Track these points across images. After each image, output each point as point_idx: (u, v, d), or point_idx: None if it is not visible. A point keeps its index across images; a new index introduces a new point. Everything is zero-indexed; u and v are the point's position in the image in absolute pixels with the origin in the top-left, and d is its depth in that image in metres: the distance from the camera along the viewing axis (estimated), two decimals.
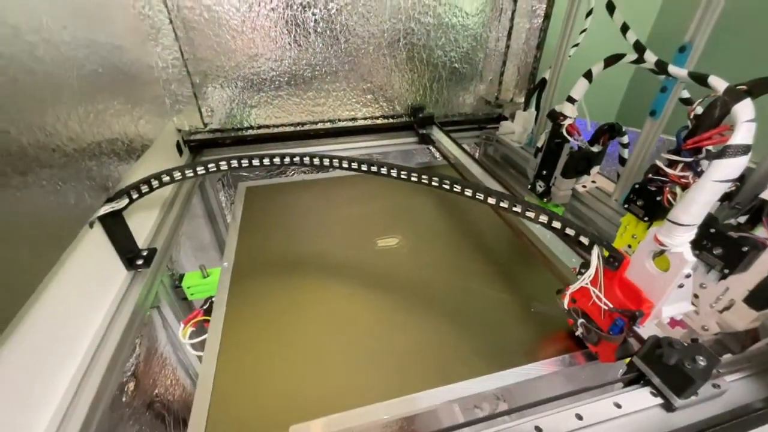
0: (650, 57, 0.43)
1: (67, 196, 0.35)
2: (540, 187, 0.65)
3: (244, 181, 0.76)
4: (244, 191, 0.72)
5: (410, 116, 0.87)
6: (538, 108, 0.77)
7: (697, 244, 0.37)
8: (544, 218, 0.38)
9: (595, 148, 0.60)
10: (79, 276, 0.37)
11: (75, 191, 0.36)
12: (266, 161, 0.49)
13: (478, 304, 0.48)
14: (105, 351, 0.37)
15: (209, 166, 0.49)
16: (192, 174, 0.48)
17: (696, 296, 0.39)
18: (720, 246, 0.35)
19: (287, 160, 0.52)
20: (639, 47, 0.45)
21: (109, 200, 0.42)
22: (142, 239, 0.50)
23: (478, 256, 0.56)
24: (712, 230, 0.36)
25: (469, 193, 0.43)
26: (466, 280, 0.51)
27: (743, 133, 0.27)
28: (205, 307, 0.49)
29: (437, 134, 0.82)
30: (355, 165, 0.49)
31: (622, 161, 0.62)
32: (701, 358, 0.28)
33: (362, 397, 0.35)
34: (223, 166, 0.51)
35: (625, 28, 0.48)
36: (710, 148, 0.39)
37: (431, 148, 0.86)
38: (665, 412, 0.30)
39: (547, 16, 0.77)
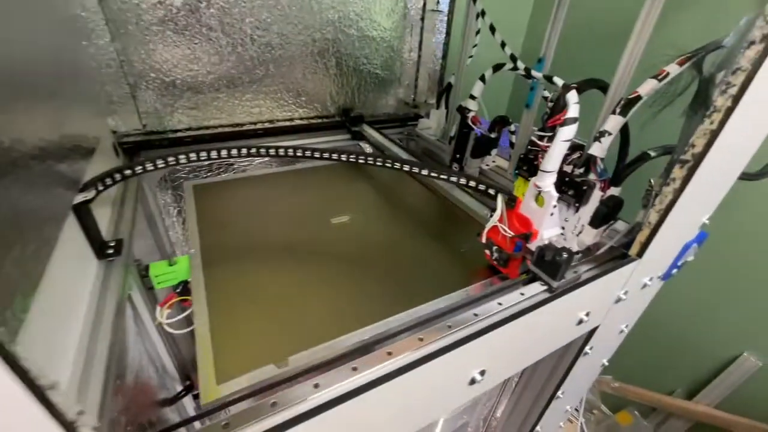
0: (520, 65, 0.61)
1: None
2: (455, 167, 0.81)
3: (188, 180, 0.77)
4: (192, 189, 0.74)
5: (342, 116, 0.97)
6: (447, 107, 0.94)
7: (559, 190, 0.54)
8: (463, 180, 0.52)
9: (493, 135, 0.79)
10: (58, 270, 0.35)
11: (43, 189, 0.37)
12: (224, 152, 0.54)
13: (418, 255, 0.60)
14: (99, 347, 0.36)
15: (180, 157, 0.53)
16: (163, 165, 0.52)
17: (563, 228, 0.57)
18: (572, 189, 0.53)
19: (243, 151, 0.58)
20: (513, 58, 0.62)
21: (81, 191, 0.44)
22: (103, 233, 0.51)
23: (416, 219, 0.69)
24: (567, 179, 0.53)
25: (407, 167, 0.55)
26: (407, 239, 0.64)
27: (573, 110, 0.44)
28: (179, 290, 0.53)
29: (368, 130, 0.94)
30: (299, 153, 0.58)
31: (512, 145, 0.81)
32: (565, 253, 0.44)
33: (339, 330, 0.44)
34: (193, 157, 0.55)
35: (503, 44, 0.65)
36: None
37: (361, 144, 0.98)
38: (549, 293, 0.45)
39: (448, 33, 0.95)
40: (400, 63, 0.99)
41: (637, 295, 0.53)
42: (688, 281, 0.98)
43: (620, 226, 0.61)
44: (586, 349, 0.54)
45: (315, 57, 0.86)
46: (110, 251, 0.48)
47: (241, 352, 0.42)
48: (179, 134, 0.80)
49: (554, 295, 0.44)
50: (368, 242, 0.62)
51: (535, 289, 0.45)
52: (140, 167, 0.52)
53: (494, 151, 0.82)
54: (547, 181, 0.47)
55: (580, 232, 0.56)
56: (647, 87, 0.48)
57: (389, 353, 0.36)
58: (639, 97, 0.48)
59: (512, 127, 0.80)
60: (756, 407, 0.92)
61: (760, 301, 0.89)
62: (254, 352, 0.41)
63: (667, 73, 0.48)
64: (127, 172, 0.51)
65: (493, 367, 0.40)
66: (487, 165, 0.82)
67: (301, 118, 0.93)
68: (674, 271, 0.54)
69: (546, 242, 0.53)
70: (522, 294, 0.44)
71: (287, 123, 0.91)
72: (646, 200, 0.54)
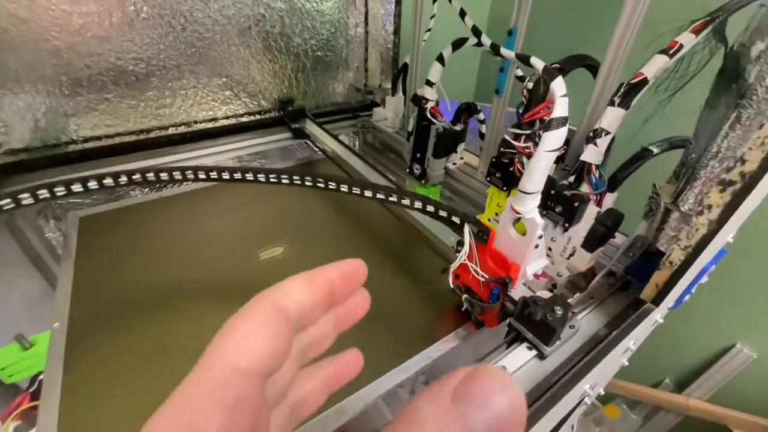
0: (486, 40, 0.47)
1: None
2: (417, 170, 0.67)
3: (76, 210, 0.60)
4: (77, 222, 0.57)
5: (279, 111, 0.81)
6: (404, 92, 0.79)
7: (543, 205, 0.42)
8: (418, 204, 0.39)
9: (458, 127, 0.65)
10: None
11: None
12: (76, 187, 0.38)
13: (374, 297, 0.47)
14: None
15: (22, 196, 0.37)
16: None
17: (550, 249, 0.45)
18: (560, 204, 0.41)
19: (123, 179, 0.42)
20: (476, 31, 0.48)
21: None
22: None
23: (368, 248, 0.55)
24: (553, 192, 0.41)
25: (345, 188, 0.41)
26: None
27: (561, 107, 0.31)
28: (32, 389, 0.37)
29: (311, 128, 0.78)
30: (213, 174, 0.43)
31: (482, 136, 0.68)
32: (558, 308, 0.32)
33: None
34: (27, 200, 0.39)
35: (462, 14, 0.51)
36: (544, 118, 0.44)
37: (308, 142, 0.82)
38: (539, 361, 0.33)
39: (398, 2, 0.79)
40: (345, 41, 0.82)
41: (646, 333, 0.43)
42: None
43: (617, 239, 0.50)
44: (585, 400, 0.44)
45: (232, 39, 0.68)
46: None
47: None
48: (59, 150, 0.62)
49: (552, 395, 0.31)
50: None
51: (522, 356, 0.33)
52: None
53: (461, 146, 0.69)
54: (529, 205, 0.34)
55: (571, 255, 0.44)
56: (656, 66, 0.35)
57: None
58: (645, 81, 0.36)
59: (481, 115, 0.67)
60: (749, 400, 0.87)
61: (754, 290, 0.82)
62: None
63: (681, 45, 0.36)
64: None
65: None
66: (454, 164, 0.69)
67: (227, 117, 0.75)
68: (686, 297, 0.43)
69: (531, 278, 0.41)
70: (504, 368, 0.32)
71: (209, 125, 0.74)
72: (649, 208, 0.42)
